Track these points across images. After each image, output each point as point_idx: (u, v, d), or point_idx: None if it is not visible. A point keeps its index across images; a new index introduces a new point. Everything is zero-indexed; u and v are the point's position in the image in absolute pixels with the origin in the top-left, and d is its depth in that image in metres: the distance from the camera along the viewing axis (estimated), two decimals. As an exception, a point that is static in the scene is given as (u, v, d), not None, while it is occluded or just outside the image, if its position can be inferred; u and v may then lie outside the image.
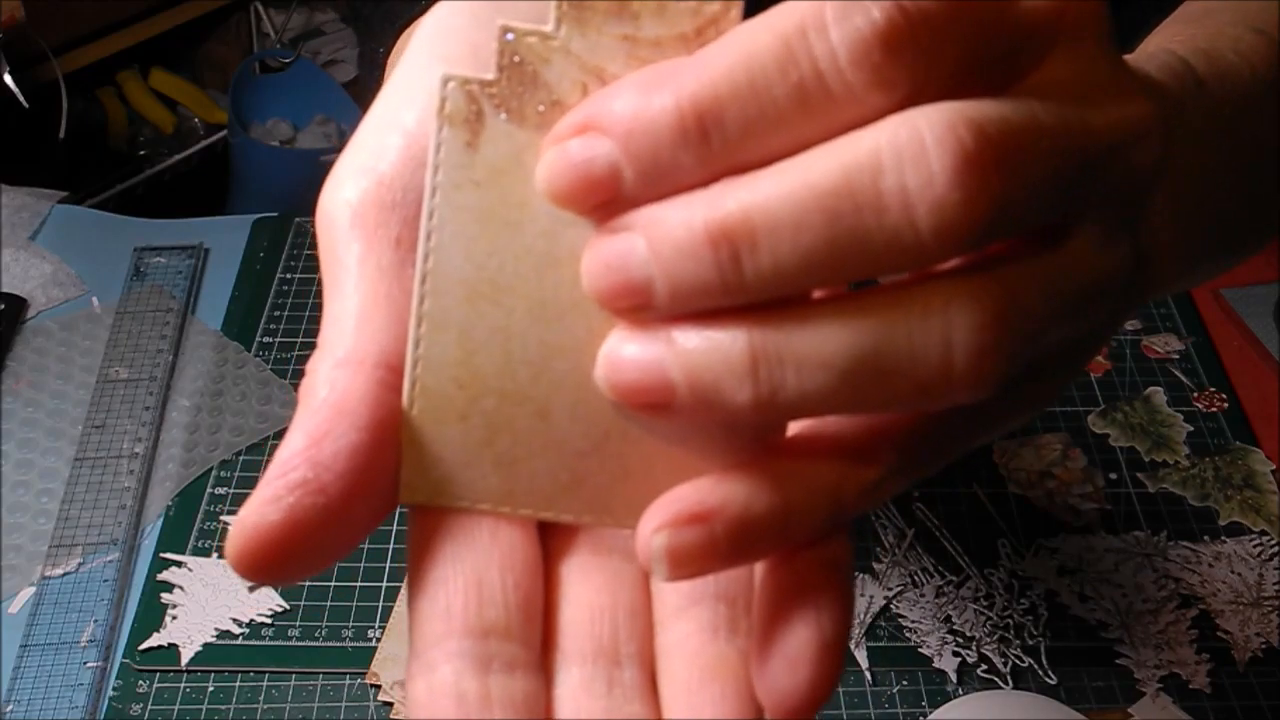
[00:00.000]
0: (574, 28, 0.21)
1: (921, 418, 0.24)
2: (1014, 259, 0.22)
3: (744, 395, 0.21)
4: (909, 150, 0.20)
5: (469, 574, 0.23)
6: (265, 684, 0.58)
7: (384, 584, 0.62)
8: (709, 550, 0.22)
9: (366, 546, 0.63)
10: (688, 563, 0.22)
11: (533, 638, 0.24)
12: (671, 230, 0.20)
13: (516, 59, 0.22)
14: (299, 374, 0.73)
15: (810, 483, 0.23)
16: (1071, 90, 0.22)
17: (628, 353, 0.21)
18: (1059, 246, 0.22)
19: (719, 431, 0.23)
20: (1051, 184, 0.21)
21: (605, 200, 0.21)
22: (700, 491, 0.22)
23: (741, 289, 0.20)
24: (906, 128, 0.20)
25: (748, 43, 0.20)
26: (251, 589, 0.61)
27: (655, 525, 0.22)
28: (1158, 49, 0.33)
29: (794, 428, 0.24)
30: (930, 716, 0.56)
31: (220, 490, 0.66)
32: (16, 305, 0.76)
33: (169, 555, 0.63)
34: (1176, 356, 0.74)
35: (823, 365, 0.21)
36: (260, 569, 0.22)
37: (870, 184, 0.20)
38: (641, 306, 0.21)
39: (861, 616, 0.60)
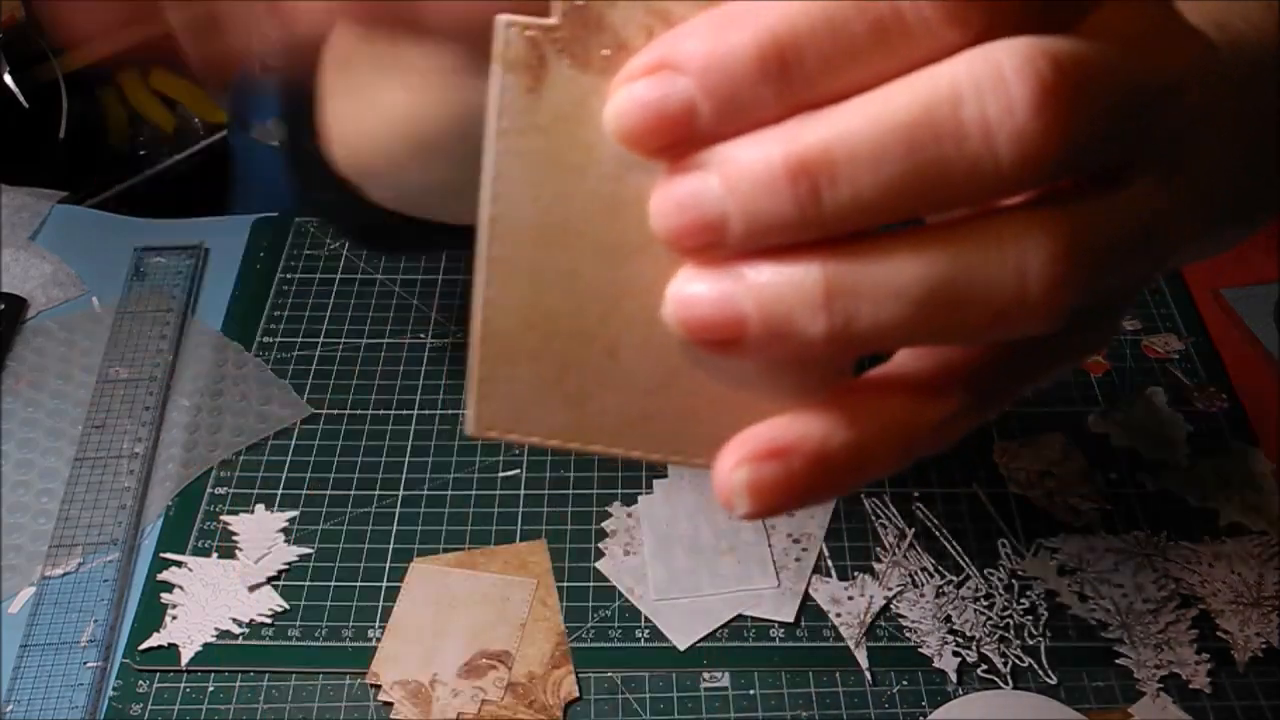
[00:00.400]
0: None
1: (989, 355, 0.24)
2: (1082, 196, 0.22)
3: (818, 327, 0.21)
4: (989, 81, 0.20)
5: None
6: (265, 684, 0.58)
7: (384, 584, 0.61)
8: (787, 485, 0.22)
9: (366, 546, 0.63)
10: (767, 498, 0.22)
11: None
12: (749, 166, 0.20)
13: (579, 2, 0.21)
14: (299, 374, 0.73)
15: (884, 419, 0.23)
16: (1131, 31, 0.22)
17: (697, 289, 0.21)
18: (1122, 187, 0.23)
19: (787, 372, 0.23)
20: (1121, 118, 0.22)
21: (677, 139, 0.21)
22: (777, 428, 0.23)
23: (819, 223, 0.20)
24: (985, 59, 0.20)
25: None
26: (251, 589, 0.61)
27: (735, 461, 0.22)
28: None
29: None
30: (930, 716, 0.56)
31: (220, 490, 0.66)
32: (16, 305, 0.76)
33: (169, 555, 0.63)
34: (1176, 356, 0.74)
35: (897, 295, 0.21)
36: None
37: (951, 114, 0.20)
38: (713, 244, 0.21)
39: (861, 616, 0.60)
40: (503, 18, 0.21)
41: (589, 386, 0.24)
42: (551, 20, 0.21)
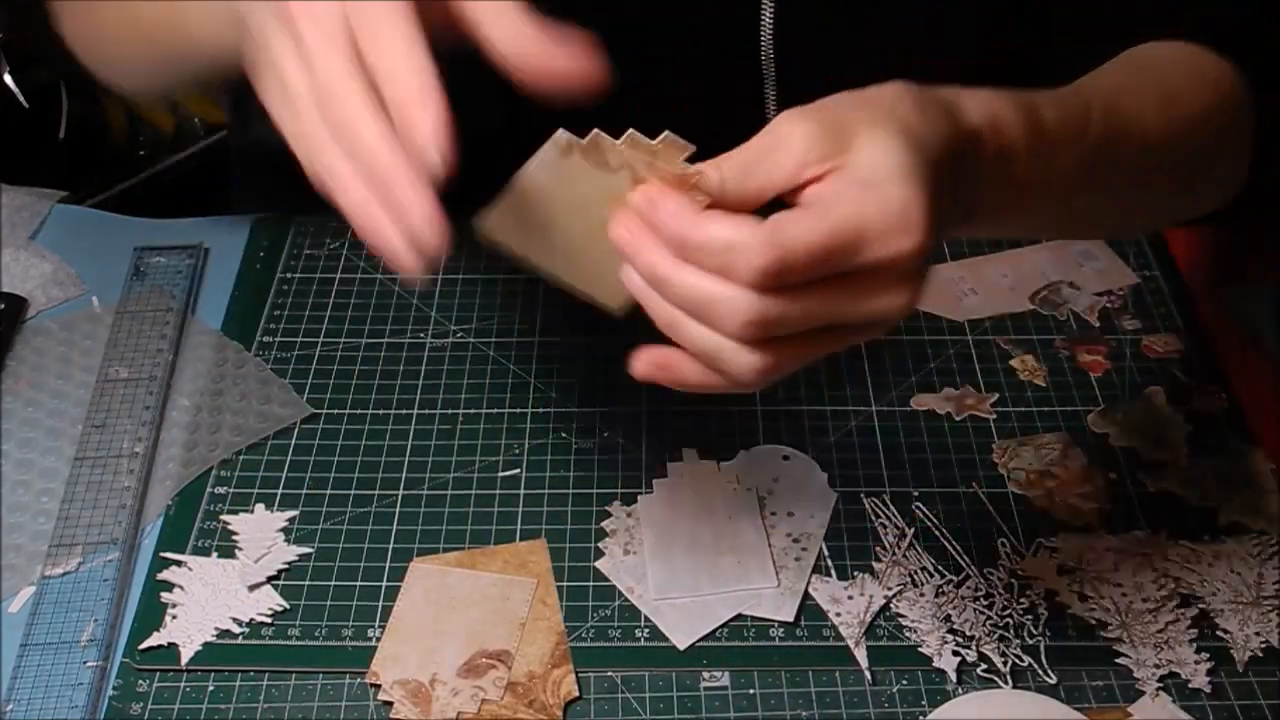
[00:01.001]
0: (630, 144, 0.44)
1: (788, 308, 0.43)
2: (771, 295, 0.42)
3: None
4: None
5: None
6: (265, 684, 0.58)
7: (384, 584, 0.62)
8: (670, 379, 0.45)
9: (366, 546, 0.63)
10: (662, 379, 0.46)
11: None
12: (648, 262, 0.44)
13: (597, 143, 0.44)
14: (299, 374, 0.73)
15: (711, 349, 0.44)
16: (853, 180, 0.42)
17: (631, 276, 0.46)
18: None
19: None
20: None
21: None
22: (661, 354, 0.45)
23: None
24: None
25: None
26: (251, 588, 0.61)
27: (642, 363, 0.46)
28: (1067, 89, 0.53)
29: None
30: (930, 716, 0.56)
31: (220, 490, 0.66)
32: (16, 305, 0.76)
33: (169, 555, 0.63)
34: (1176, 356, 0.74)
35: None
36: None
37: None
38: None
39: (861, 616, 0.60)
40: (561, 132, 0.44)
41: (554, 239, 0.47)
42: (582, 141, 0.44)
